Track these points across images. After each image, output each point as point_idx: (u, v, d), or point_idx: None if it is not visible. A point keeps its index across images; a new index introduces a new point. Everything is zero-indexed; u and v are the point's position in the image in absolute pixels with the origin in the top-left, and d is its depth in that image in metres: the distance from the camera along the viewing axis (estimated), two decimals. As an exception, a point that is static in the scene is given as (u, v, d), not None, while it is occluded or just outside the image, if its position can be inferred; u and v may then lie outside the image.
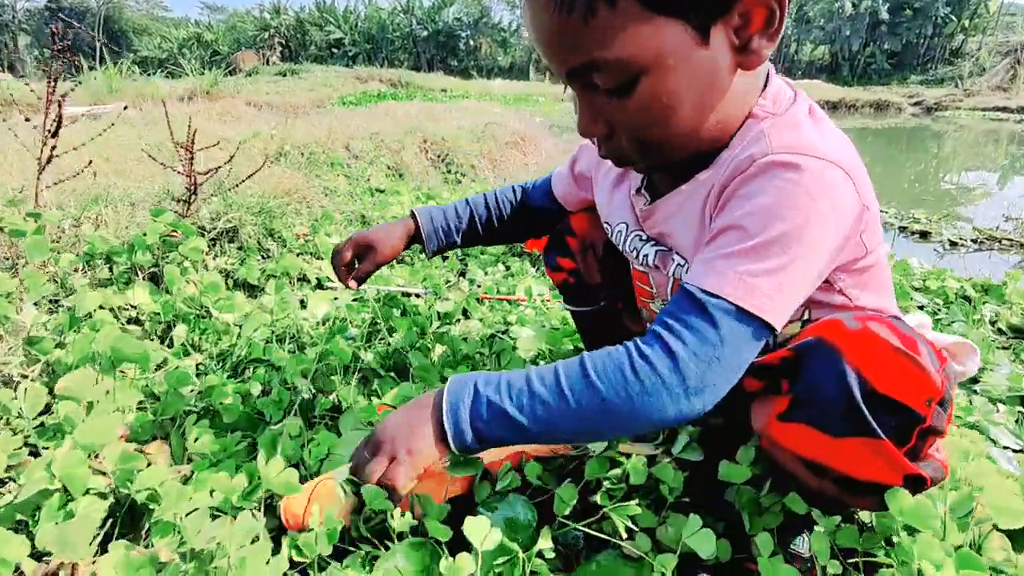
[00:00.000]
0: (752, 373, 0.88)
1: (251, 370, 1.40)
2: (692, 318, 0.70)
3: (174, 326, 1.44)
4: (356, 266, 1.16)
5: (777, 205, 0.69)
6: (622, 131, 0.78)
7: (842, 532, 0.82)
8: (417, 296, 1.91)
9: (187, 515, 0.71)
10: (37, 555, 0.77)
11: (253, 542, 0.70)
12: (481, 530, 0.75)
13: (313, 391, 1.28)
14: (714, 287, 0.70)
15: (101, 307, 1.34)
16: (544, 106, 13.34)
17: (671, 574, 0.83)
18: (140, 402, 1.24)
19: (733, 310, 0.69)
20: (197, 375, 1.37)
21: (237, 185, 1.91)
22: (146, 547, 0.78)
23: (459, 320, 1.76)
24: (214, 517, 0.87)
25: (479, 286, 2.12)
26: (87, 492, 0.85)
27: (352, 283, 1.13)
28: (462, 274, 2.35)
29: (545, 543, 0.84)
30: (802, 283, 0.71)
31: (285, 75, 16.19)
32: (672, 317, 0.72)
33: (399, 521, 0.81)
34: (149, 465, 0.90)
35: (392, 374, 1.39)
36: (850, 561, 0.89)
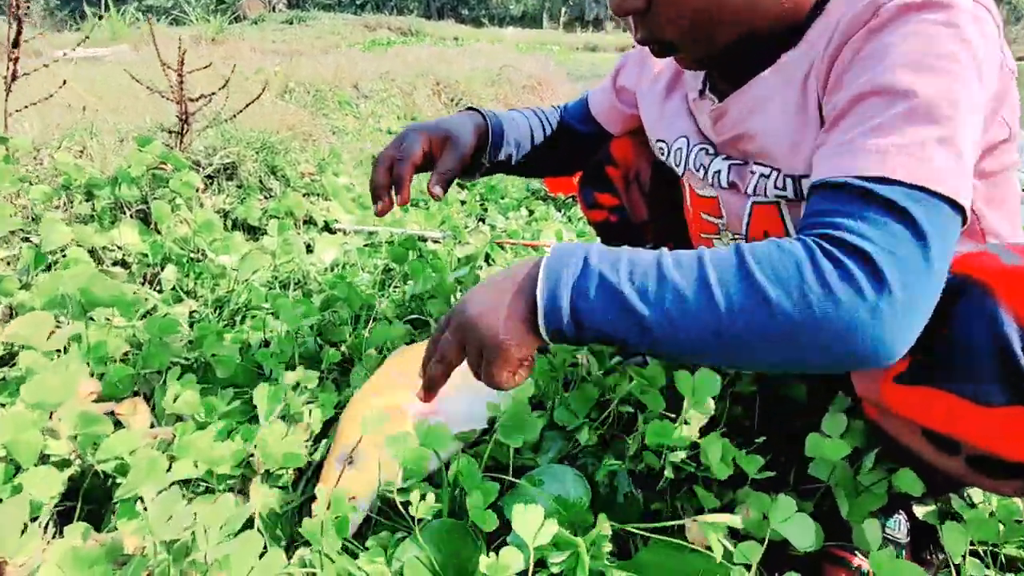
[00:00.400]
0: None
1: (251, 319, 1.25)
2: (867, 212, 0.50)
3: (164, 269, 1.27)
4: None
5: (924, 54, 0.53)
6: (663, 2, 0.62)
7: (982, 525, 0.65)
8: (435, 241, 1.74)
9: (157, 494, 0.56)
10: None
11: (242, 531, 0.55)
12: (532, 520, 0.59)
13: (320, 343, 1.12)
14: (877, 169, 0.51)
15: (79, 245, 1.18)
16: (559, 55, 12.86)
17: (756, 568, 0.68)
18: (125, 353, 1.09)
19: (919, 195, 0.50)
20: (191, 324, 1.22)
21: (236, 115, 1.72)
22: (114, 531, 0.63)
23: (481, 267, 1.58)
24: (205, 492, 0.73)
25: (503, 231, 1.94)
26: (45, 461, 0.70)
27: (436, 189, 0.79)
28: (481, 220, 2.17)
29: (603, 528, 0.68)
30: (971, 153, 0.54)
31: (292, 23, 15.67)
32: (830, 216, 0.52)
33: (422, 507, 0.65)
34: (121, 428, 0.74)
35: (408, 324, 1.23)
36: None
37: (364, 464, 0.73)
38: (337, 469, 0.71)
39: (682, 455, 0.74)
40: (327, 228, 1.80)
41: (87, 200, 1.36)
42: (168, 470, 0.65)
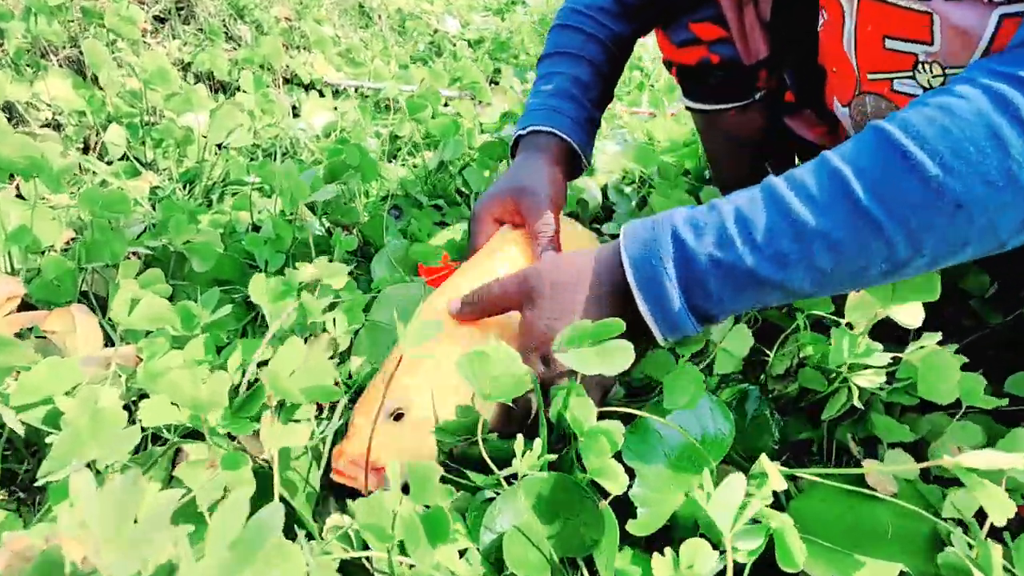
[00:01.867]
0: None
1: (231, 196, 0.97)
2: None
3: (107, 131, 0.97)
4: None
5: None
6: None
7: None
8: (445, 104, 1.42)
9: (103, 470, 0.33)
10: None
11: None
12: (730, 502, 0.37)
13: (326, 224, 0.86)
14: None
15: (-13, 98, 0.86)
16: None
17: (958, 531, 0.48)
18: (69, 241, 0.84)
19: None
20: (152, 203, 0.94)
21: (183, -68, 1.32)
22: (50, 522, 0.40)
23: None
24: (190, 436, 0.50)
25: (521, 95, 1.62)
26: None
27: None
28: (494, 83, 1.83)
29: (776, 482, 0.47)
30: None
31: None
32: None
33: (524, 462, 0.43)
34: (53, 352, 0.50)
35: (434, 203, 0.96)
36: None
37: (418, 410, 0.49)
38: (384, 418, 0.48)
39: (879, 379, 0.52)
40: (312, 87, 1.46)
41: (-3, 41, 1.03)
42: (131, 421, 0.42)
